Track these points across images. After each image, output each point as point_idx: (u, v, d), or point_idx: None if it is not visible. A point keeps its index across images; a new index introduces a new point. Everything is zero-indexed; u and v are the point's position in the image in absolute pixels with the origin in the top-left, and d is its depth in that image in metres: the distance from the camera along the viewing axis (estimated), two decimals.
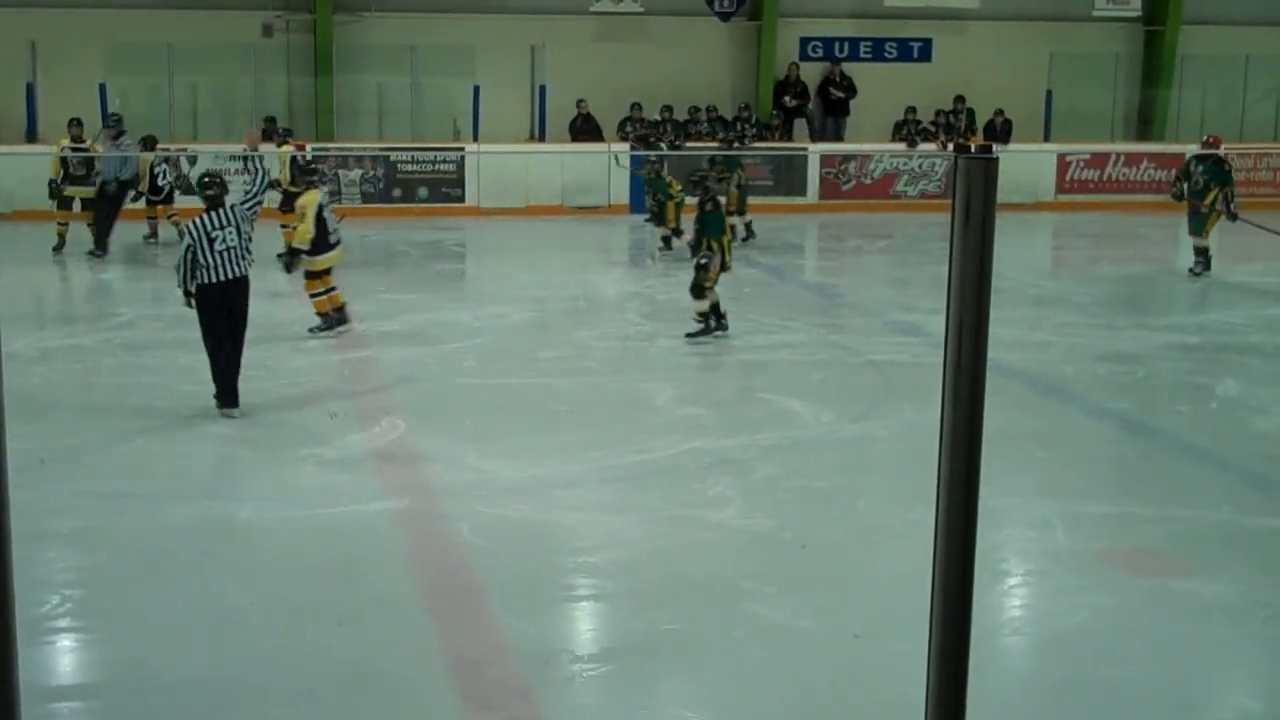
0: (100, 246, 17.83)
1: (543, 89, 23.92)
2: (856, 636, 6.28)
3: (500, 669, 6.05)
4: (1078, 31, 26.23)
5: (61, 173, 18.20)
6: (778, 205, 23.38)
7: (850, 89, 25.26)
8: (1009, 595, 6.97)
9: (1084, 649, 6.23)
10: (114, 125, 18.94)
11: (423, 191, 23.17)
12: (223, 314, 9.92)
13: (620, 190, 22.99)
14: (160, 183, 18.90)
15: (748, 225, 19.35)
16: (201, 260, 9.78)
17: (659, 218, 17.99)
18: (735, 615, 6.58)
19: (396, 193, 23.14)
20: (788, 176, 24.12)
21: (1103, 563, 7.31)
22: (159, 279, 15.42)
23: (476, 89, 23.40)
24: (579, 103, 24.01)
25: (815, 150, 24.49)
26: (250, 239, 10.06)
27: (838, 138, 25.20)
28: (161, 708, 5.70)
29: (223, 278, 9.81)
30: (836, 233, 22.45)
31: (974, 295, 2.13)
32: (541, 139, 23.96)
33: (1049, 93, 25.64)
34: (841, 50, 25.79)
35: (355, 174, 23.08)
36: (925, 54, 26.09)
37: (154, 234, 18.99)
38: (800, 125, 25.30)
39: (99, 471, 8.85)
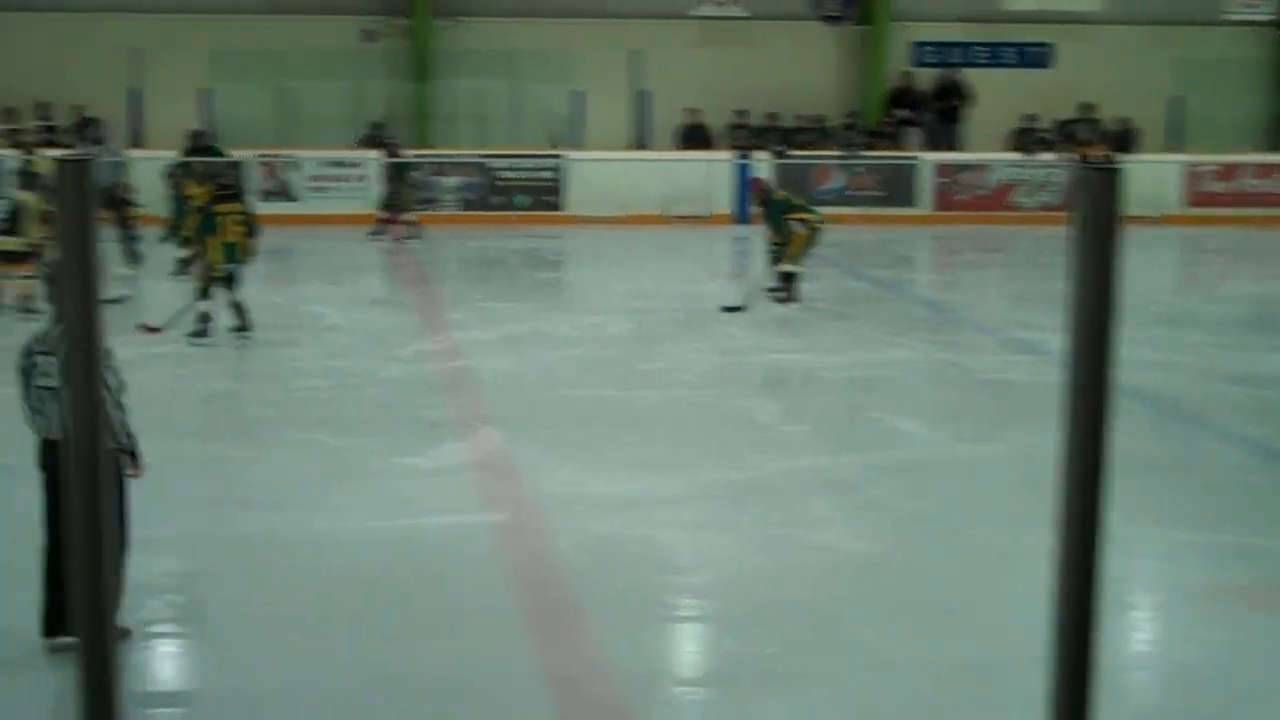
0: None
1: (644, 95, 23.75)
2: (966, 668, 6.01)
3: (599, 688, 5.90)
4: (1205, 36, 25.57)
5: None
6: (887, 216, 23.05)
7: (966, 96, 24.78)
8: (1136, 628, 6.67)
9: (1217, 687, 5.94)
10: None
11: (521, 199, 23.10)
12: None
13: (722, 199, 22.71)
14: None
15: None
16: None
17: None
18: (838, 641, 6.37)
19: (495, 200, 23.08)
20: (898, 186, 23.73)
21: (1236, 597, 6.95)
22: (258, 285, 15.41)
23: (576, 95, 23.31)
24: (689, 111, 23.83)
25: (927, 159, 24.05)
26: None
27: (952, 146, 24.72)
28: (257, 716, 5.63)
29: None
30: (950, 245, 22.07)
31: (1096, 312, 2.02)
32: (643, 146, 23.78)
33: (1175, 100, 25.01)
34: (956, 55, 25.33)
35: (454, 181, 23.05)
36: (1043, 59, 25.52)
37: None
38: (910, 133, 24.88)
39: (199, 478, 8.78)
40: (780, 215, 14.99)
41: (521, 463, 9.08)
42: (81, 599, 2.23)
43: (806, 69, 24.88)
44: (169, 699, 5.83)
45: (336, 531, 7.73)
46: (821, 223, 15.17)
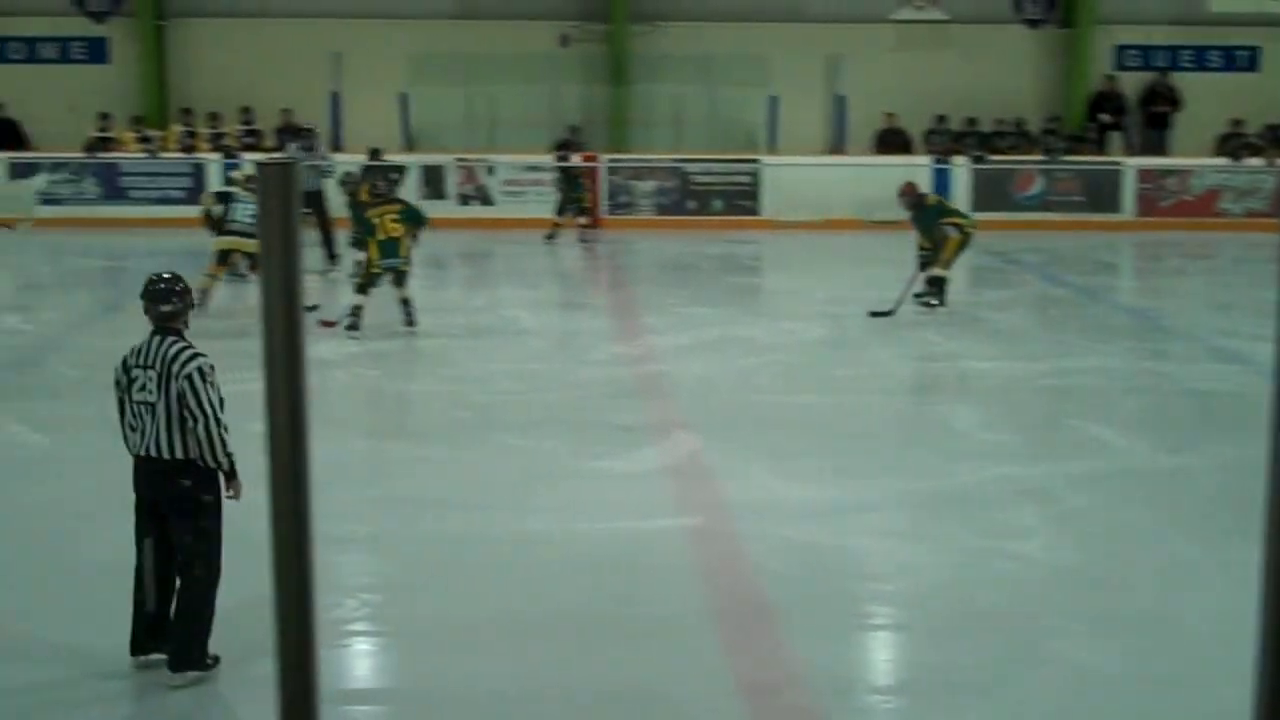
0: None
1: (841, 99, 23.61)
2: (1168, 683, 5.86)
3: (793, 696, 5.87)
4: None
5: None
6: (1089, 222, 22.59)
7: (1174, 101, 24.14)
8: None
9: None
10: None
11: (717, 203, 23.13)
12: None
13: None
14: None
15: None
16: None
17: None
18: (1037, 653, 6.24)
19: (691, 204, 23.15)
20: (1100, 192, 23.18)
21: None
22: (454, 288, 15.76)
23: (773, 99, 23.26)
24: (886, 115, 23.65)
25: (1132, 165, 23.46)
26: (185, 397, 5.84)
27: (1159, 151, 24.09)
28: (449, 716, 5.68)
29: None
30: (1154, 252, 21.51)
31: None
32: (840, 150, 23.65)
33: None
34: (1160, 59, 24.69)
35: (649, 185, 23.18)
36: (1252, 63, 24.74)
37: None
38: (1113, 139, 24.31)
39: (395, 478, 8.95)
40: (933, 220, 14.78)
41: (716, 468, 9.08)
42: (284, 597, 2.27)
43: (1007, 73, 24.49)
44: (365, 697, 5.92)
45: (531, 533, 7.80)
46: (974, 227, 14.93)
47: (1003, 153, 23.56)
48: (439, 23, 24.33)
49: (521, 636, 6.36)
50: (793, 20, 24.43)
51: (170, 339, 5.88)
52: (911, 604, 6.89)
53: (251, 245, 14.19)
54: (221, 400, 5.81)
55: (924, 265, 14.70)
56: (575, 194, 21.00)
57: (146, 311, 6.01)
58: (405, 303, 13.38)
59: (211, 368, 5.84)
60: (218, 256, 14.35)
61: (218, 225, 14.72)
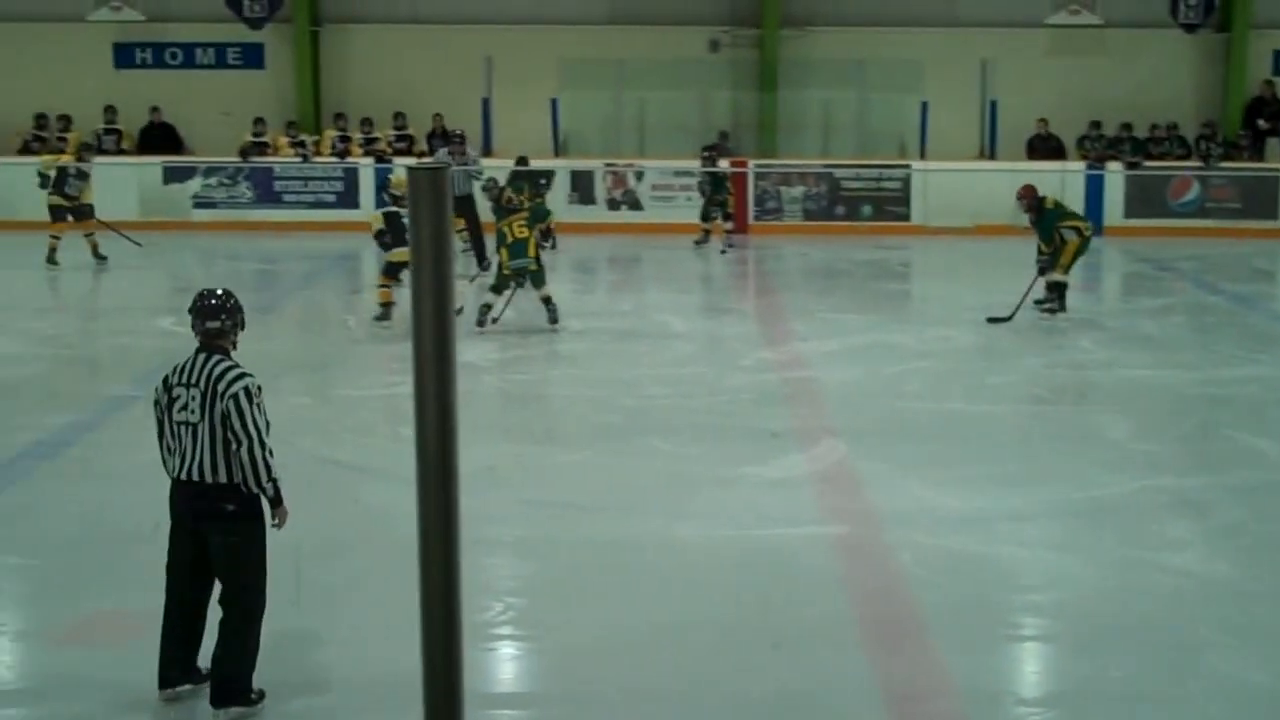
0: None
1: (993, 104, 23.33)
2: None
3: (941, 705, 5.84)
4: None
5: None
6: (1246, 229, 22.03)
7: None
8: None
9: None
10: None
11: (866, 209, 22.99)
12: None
13: (1076, 210, 22.06)
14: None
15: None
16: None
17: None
18: (1191, 667, 6.15)
19: (839, 210, 23.04)
20: (1257, 199, 22.59)
21: None
22: (602, 293, 15.85)
23: (924, 105, 23.06)
24: (1040, 120, 23.33)
25: None
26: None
27: None
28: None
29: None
30: None
31: None
32: (992, 157, 23.37)
33: None
34: None
35: (798, 191, 23.12)
36: None
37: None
38: (1273, 145, 23.69)
39: (543, 482, 9.02)
40: (1052, 223, 14.55)
41: (863, 475, 9.04)
42: (430, 597, 2.30)
43: (1162, 78, 23.99)
44: (509, 701, 5.97)
45: (678, 538, 7.84)
46: (1092, 231, 14.66)
47: (1158, 159, 23.11)
48: (590, 28, 24.47)
49: (667, 641, 6.39)
50: (946, 25, 24.19)
51: (216, 357, 5.59)
52: (1062, 615, 6.81)
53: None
54: (268, 423, 5.54)
55: (1042, 270, 14.54)
56: (719, 198, 21.01)
57: (193, 327, 5.74)
58: (547, 301, 13.66)
59: (259, 388, 5.54)
60: (391, 269, 14.50)
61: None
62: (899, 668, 6.19)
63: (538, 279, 13.63)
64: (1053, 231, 14.50)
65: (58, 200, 18.56)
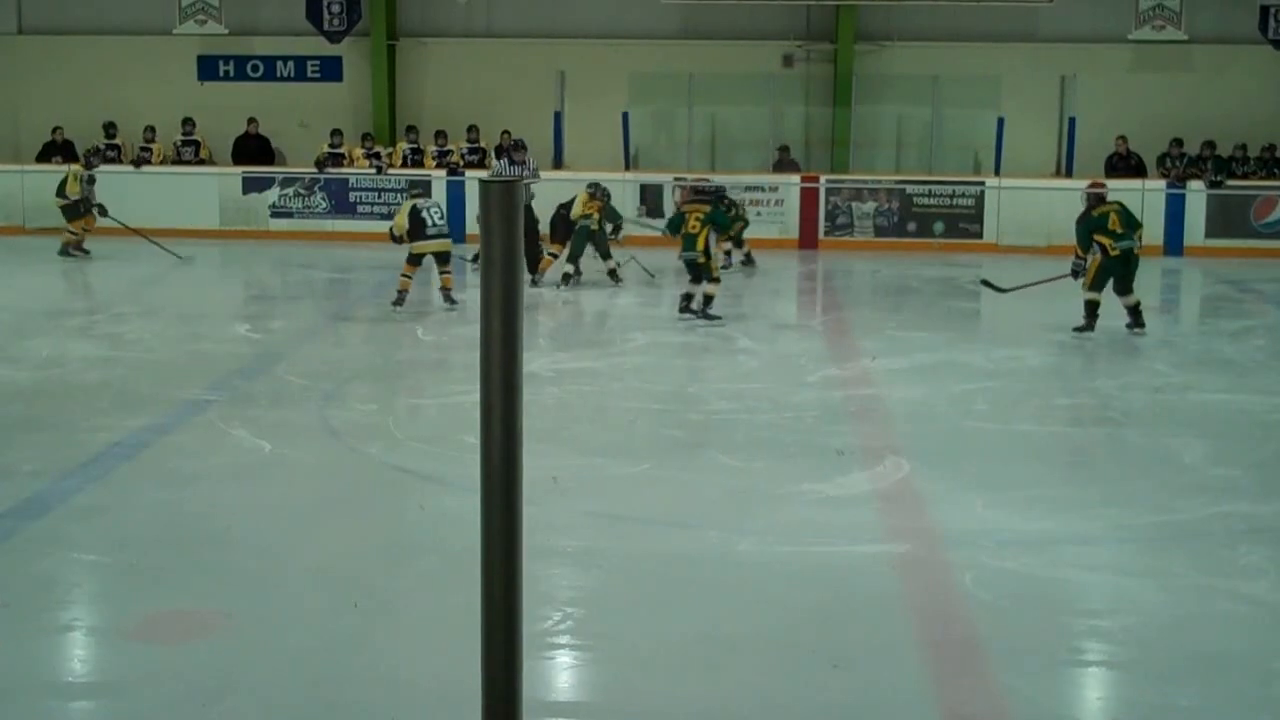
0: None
1: (1072, 121, 23.07)
2: None
3: None
4: None
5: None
6: None
7: None
8: None
9: None
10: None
11: (938, 225, 22.81)
12: None
13: (1154, 230, 21.79)
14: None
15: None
16: None
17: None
18: (1264, 698, 5.96)
19: (911, 226, 22.88)
20: None
21: None
22: (668, 305, 15.80)
23: (1000, 120, 22.85)
24: (1120, 138, 23.05)
25: None
26: None
27: None
28: None
29: None
30: None
31: None
32: (1069, 174, 23.12)
33: None
34: None
35: (869, 206, 22.98)
36: None
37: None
38: None
39: (605, 493, 8.96)
40: (1087, 231, 14.37)
41: (927, 494, 8.91)
42: (491, 604, 2.29)
43: (1248, 95, 23.65)
44: (566, 710, 5.92)
45: (738, 553, 7.75)
46: (1120, 253, 14.32)
47: (1243, 178, 22.76)
48: (662, 43, 24.50)
49: (724, 657, 6.30)
50: (1025, 40, 24.00)
51: None
52: (1129, 641, 6.65)
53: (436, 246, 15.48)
54: None
55: (1074, 273, 14.43)
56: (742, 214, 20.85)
57: None
58: (708, 299, 15.01)
59: None
60: (413, 259, 15.59)
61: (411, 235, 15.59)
62: (959, 690, 6.06)
63: (701, 272, 14.99)
64: (1088, 239, 14.34)
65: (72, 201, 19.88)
